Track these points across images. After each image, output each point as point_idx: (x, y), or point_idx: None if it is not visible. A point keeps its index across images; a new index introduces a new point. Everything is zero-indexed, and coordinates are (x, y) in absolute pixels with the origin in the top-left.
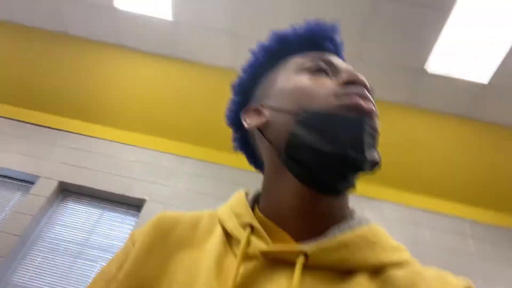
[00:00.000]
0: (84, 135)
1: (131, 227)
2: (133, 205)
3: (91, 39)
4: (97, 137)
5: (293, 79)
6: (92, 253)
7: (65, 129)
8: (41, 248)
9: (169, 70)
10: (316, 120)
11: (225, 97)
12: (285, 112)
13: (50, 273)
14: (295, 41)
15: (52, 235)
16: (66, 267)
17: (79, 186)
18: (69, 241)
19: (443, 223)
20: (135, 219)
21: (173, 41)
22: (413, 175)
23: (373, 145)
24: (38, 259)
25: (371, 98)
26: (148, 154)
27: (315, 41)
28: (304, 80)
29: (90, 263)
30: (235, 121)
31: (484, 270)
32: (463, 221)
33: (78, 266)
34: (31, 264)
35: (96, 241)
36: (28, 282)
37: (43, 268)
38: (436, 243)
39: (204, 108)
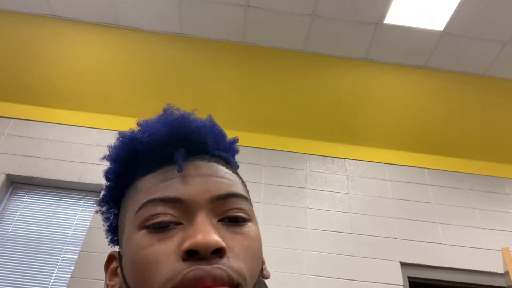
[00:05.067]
0: (29, 120)
1: (91, 215)
2: (91, 191)
3: (25, 12)
4: (44, 121)
5: (132, 242)
6: (51, 246)
7: (7, 116)
8: None
9: (113, 40)
10: None
11: (183, 67)
12: None
13: (7, 271)
14: (145, 153)
15: (5, 232)
16: (24, 263)
17: (29, 178)
18: (25, 236)
19: (403, 174)
20: (94, 206)
21: (114, 8)
22: (372, 130)
23: None
24: None
25: (224, 274)
26: (103, 135)
27: (169, 153)
28: (140, 252)
29: (50, 257)
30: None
31: (442, 217)
32: (422, 170)
33: (36, 261)
34: None
35: (55, 233)
36: None
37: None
38: (397, 195)
39: (163, 79)
